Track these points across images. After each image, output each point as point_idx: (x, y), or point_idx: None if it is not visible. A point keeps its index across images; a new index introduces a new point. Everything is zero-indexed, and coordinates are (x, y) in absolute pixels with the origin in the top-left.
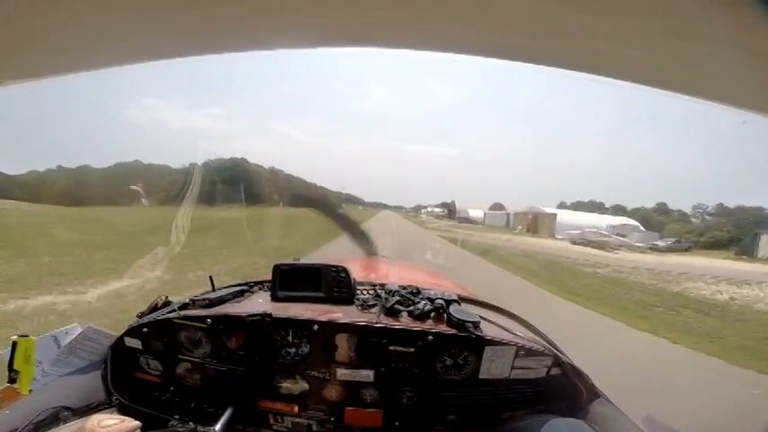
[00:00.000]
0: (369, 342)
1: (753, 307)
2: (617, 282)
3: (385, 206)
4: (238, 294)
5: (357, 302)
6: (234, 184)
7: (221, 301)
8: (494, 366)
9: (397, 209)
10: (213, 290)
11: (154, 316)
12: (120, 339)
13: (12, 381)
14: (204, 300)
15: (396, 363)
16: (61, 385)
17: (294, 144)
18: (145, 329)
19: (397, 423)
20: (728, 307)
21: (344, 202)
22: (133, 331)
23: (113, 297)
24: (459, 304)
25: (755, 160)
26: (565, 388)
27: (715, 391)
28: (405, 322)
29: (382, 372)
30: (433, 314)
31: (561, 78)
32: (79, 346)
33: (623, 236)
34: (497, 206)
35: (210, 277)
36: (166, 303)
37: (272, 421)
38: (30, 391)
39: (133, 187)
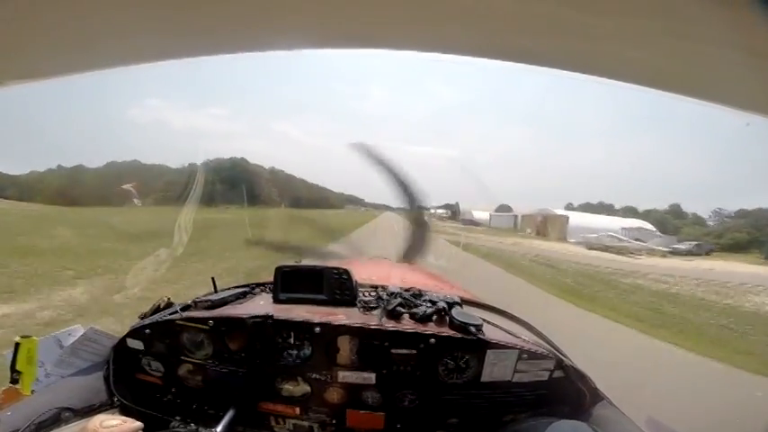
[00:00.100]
0: (370, 344)
1: None
2: (670, 297)
3: (387, 207)
4: (240, 296)
5: (359, 304)
6: (233, 184)
7: (223, 302)
8: (496, 369)
9: (399, 210)
10: (215, 291)
11: (156, 317)
12: (123, 341)
13: (14, 381)
14: (206, 301)
15: (398, 365)
16: (63, 386)
17: (295, 144)
18: (147, 331)
19: (398, 426)
20: None
21: (346, 204)
22: (135, 332)
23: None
24: (462, 307)
25: (759, 162)
26: (567, 391)
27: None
28: (407, 325)
29: (384, 374)
30: (435, 317)
31: (562, 79)
32: (81, 348)
33: (641, 239)
34: (504, 208)
35: (213, 279)
36: (168, 305)
37: (273, 423)
38: (32, 391)
39: (125, 187)
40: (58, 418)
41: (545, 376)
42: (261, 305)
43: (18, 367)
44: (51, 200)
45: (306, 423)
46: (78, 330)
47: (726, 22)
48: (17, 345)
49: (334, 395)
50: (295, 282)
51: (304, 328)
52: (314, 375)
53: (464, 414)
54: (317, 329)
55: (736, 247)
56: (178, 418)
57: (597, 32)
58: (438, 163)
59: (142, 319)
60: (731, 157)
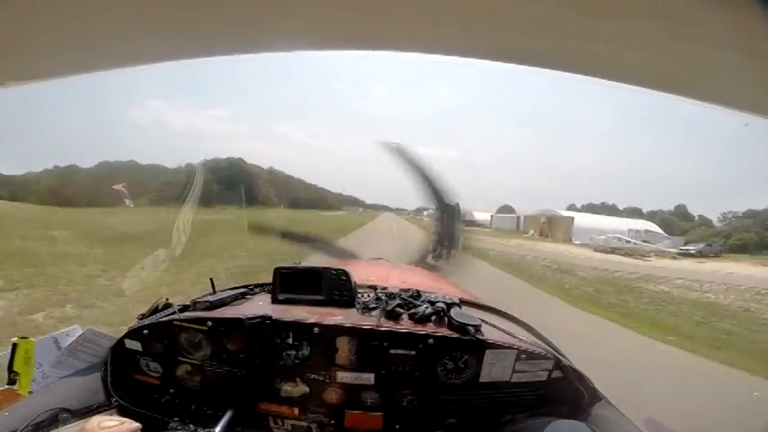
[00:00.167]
0: (369, 345)
1: None
2: (713, 309)
3: (386, 208)
4: (239, 297)
5: (358, 305)
6: (230, 184)
7: (222, 303)
8: (495, 370)
9: (399, 211)
10: (214, 292)
11: (154, 318)
12: (121, 341)
13: (11, 382)
14: (205, 302)
15: (396, 366)
16: (61, 387)
17: (295, 145)
18: (145, 331)
19: (397, 426)
20: None
21: (345, 204)
22: (133, 333)
23: None
24: (461, 307)
25: (757, 162)
26: (566, 391)
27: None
28: (405, 325)
29: (383, 375)
30: (433, 317)
31: (562, 81)
32: (79, 348)
33: (649, 241)
34: (506, 209)
35: (211, 279)
36: (167, 305)
37: (272, 424)
38: (29, 392)
39: (116, 187)
40: (56, 418)
41: (544, 376)
42: (259, 306)
43: (15, 368)
44: (42, 200)
45: (304, 423)
46: (76, 331)
47: (725, 23)
48: (14, 345)
49: (332, 395)
50: (294, 282)
51: (303, 328)
52: (312, 376)
53: (463, 414)
54: (316, 330)
55: (745, 249)
56: (176, 418)
57: (597, 34)
58: (440, 163)
59: (140, 319)
60: (730, 158)
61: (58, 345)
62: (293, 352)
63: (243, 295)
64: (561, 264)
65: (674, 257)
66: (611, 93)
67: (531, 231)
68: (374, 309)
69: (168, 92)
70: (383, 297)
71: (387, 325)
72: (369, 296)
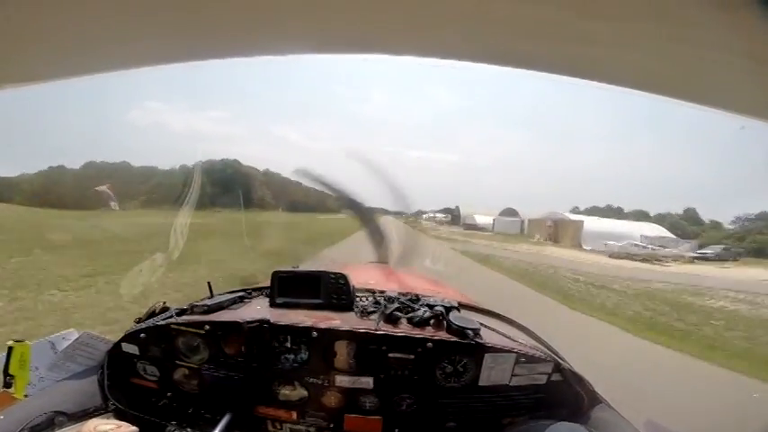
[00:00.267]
0: (368, 349)
1: None
2: None
3: (385, 211)
4: (237, 300)
5: (356, 309)
6: (225, 186)
7: (219, 307)
8: (494, 373)
9: (398, 214)
10: (211, 296)
11: (151, 321)
12: (117, 345)
13: (7, 385)
14: (202, 306)
15: (395, 370)
16: (57, 390)
17: (295, 148)
18: (142, 335)
19: (396, 430)
20: None
21: (344, 208)
22: (130, 337)
23: None
24: (459, 311)
25: (755, 165)
26: (566, 394)
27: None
28: (404, 329)
29: (382, 379)
30: (432, 321)
31: (561, 84)
32: (76, 352)
33: (664, 246)
34: (509, 212)
35: (209, 283)
36: (164, 309)
37: (270, 428)
38: (25, 395)
39: (99, 188)
40: (52, 422)
41: (543, 380)
42: (257, 309)
43: (11, 371)
44: (28, 201)
45: (303, 428)
46: (73, 334)
47: (724, 26)
48: (10, 349)
49: (331, 399)
50: (292, 286)
51: (301, 332)
52: (311, 380)
53: (462, 418)
54: (314, 334)
55: (763, 252)
56: (174, 422)
57: (596, 37)
58: (438, 166)
59: (137, 323)
60: (729, 161)
61: (55, 348)
62: (291, 356)
63: (241, 299)
64: (589, 275)
65: (692, 262)
66: (609, 96)
67: (537, 236)
68: (373, 312)
69: (168, 94)
70: (382, 301)
71: (385, 329)
72: (367, 300)
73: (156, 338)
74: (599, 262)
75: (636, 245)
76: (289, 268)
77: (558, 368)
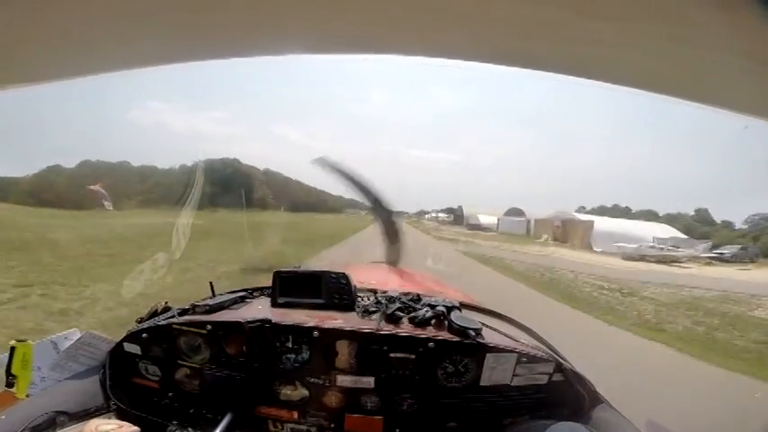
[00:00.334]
0: (369, 349)
1: None
2: None
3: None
4: (238, 300)
5: (358, 309)
6: (224, 185)
7: (221, 307)
8: (495, 373)
9: (400, 214)
10: (213, 296)
11: (153, 321)
12: (120, 345)
13: (9, 385)
14: (204, 306)
15: (396, 369)
16: (59, 390)
17: (296, 148)
18: (144, 335)
19: (397, 430)
20: None
21: (345, 207)
22: (132, 337)
23: None
24: (461, 311)
25: (757, 164)
26: (567, 394)
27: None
28: (406, 329)
29: (383, 378)
30: (434, 321)
31: (563, 84)
32: (78, 352)
33: (679, 247)
34: (514, 211)
35: (211, 283)
36: (166, 309)
37: (271, 428)
38: (27, 395)
39: (92, 187)
40: (54, 422)
41: (544, 380)
42: (259, 309)
43: (13, 371)
44: (23, 201)
45: (304, 427)
46: (75, 334)
47: (725, 26)
48: (12, 348)
49: (332, 399)
50: (293, 286)
51: (302, 332)
52: (312, 379)
53: (463, 418)
54: (316, 333)
55: None
56: (175, 422)
57: (598, 37)
58: (440, 166)
59: (139, 323)
60: (731, 160)
61: (57, 348)
62: (293, 355)
63: (242, 299)
64: (611, 280)
65: (710, 263)
66: (611, 95)
67: (545, 236)
68: (374, 312)
69: (169, 94)
70: (383, 300)
71: (387, 328)
72: (369, 300)
73: (158, 338)
74: (615, 265)
75: (651, 246)
76: (290, 268)
77: (559, 368)
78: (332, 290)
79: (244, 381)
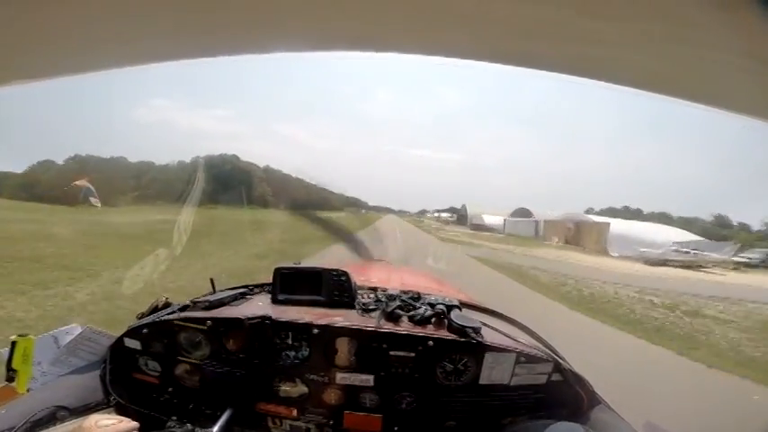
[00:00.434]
0: (369, 346)
1: None
2: None
3: (389, 210)
4: (239, 297)
5: (358, 306)
6: (222, 182)
7: (221, 303)
8: (494, 372)
9: (402, 213)
10: (214, 292)
11: (154, 317)
12: (120, 340)
13: (10, 380)
14: (204, 302)
15: (396, 367)
16: (59, 385)
17: (300, 146)
18: (145, 330)
19: (396, 428)
20: None
21: (347, 206)
22: (133, 332)
23: None
24: (461, 310)
25: (760, 165)
26: (565, 394)
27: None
28: (405, 327)
29: (382, 376)
30: (433, 319)
31: (566, 84)
32: (78, 347)
33: (703, 251)
34: (522, 212)
35: (211, 279)
36: (167, 305)
37: (270, 424)
38: (28, 390)
39: (78, 183)
40: (54, 416)
41: (543, 380)
42: (259, 306)
43: (14, 366)
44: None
45: (303, 424)
46: (75, 329)
47: (729, 26)
48: (13, 343)
49: (331, 396)
50: (294, 283)
51: (302, 329)
52: (311, 376)
53: (462, 417)
54: (315, 331)
55: None
56: (174, 417)
57: (601, 37)
58: (443, 165)
59: (140, 318)
60: (734, 161)
61: (58, 343)
62: (292, 352)
63: (243, 295)
64: (662, 294)
65: (737, 268)
66: (614, 96)
67: (555, 239)
68: (374, 310)
69: (173, 92)
70: (383, 298)
71: (386, 326)
72: (369, 297)
73: (159, 334)
74: (646, 272)
75: (676, 250)
76: (290, 265)
77: (558, 368)
78: (332, 287)
79: (243, 377)
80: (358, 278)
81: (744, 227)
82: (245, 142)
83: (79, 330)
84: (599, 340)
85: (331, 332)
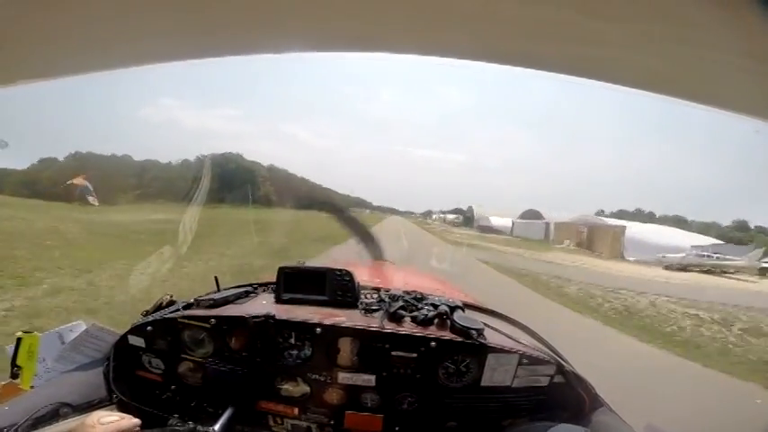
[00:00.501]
0: (371, 346)
1: None
2: None
3: (394, 211)
4: (243, 295)
5: (361, 306)
6: (224, 181)
7: (225, 301)
8: (496, 374)
9: (407, 214)
10: (218, 290)
11: (158, 315)
12: (124, 337)
13: (14, 376)
14: (209, 300)
15: (398, 368)
16: (63, 382)
17: (303, 146)
18: (149, 328)
19: (397, 428)
20: None
21: (352, 206)
22: (137, 329)
23: None
24: (464, 311)
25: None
26: (567, 396)
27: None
28: (408, 328)
29: (384, 377)
30: (436, 320)
31: (569, 84)
32: (83, 344)
33: (727, 255)
34: (531, 214)
35: (216, 278)
36: (171, 303)
37: (271, 423)
38: (32, 387)
39: (76, 181)
40: (57, 413)
41: (545, 381)
42: (263, 305)
43: (19, 362)
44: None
45: (304, 423)
46: (80, 326)
47: (734, 27)
48: (19, 339)
49: (333, 396)
50: (297, 282)
51: (305, 328)
52: (314, 376)
53: (463, 418)
54: (318, 330)
55: None
56: (176, 415)
57: (605, 38)
58: (447, 166)
59: (144, 316)
60: (740, 163)
61: (63, 339)
62: (295, 351)
63: (247, 294)
64: (703, 307)
65: (765, 274)
66: (618, 97)
67: (567, 242)
68: (377, 310)
69: (181, 91)
70: (386, 299)
71: (389, 327)
72: (372, 298)
73: (163, 331)
74: (673, 279)
75: (700, 254)
76: (294, 264)
77: (560, 370)
78: (335, 287)
79: (246, 375)
80: (361, 278)
81: (762, 230)
82: (252, 142)
83: (84, 327)
84: (662, 371)
85: (334, 332)
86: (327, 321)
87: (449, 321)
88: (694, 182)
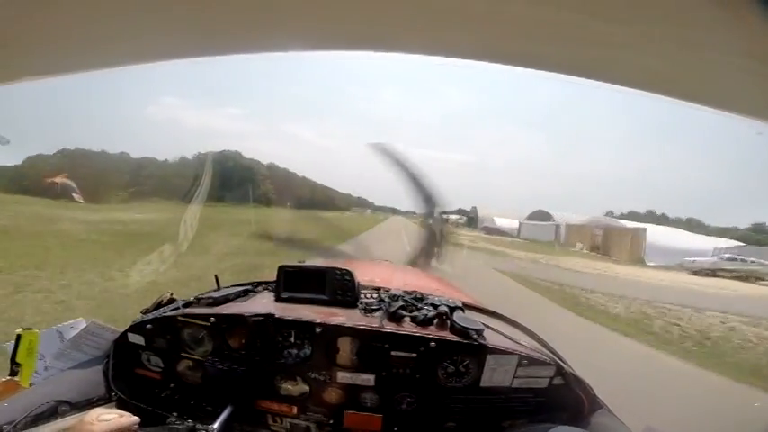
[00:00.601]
0: (371, 346)
1: None
2: None
3: (395, 211)
4: (242, 294)
5: (360, 306)
6: (223, 180)
7: (225, 300)
8: (496, 375)
9: (409, 214)
10: (218, 288)
11: (158, 313)
12: (124, 335)
13: (13, 373)
14: (208, 298)
15: (397, 368)
16: (62, 379)
17: (307, 145)
18: (149, 326)
19: (396, 428)
20: None
21: (354, 206)
22: (137, 327)
23: None
24: (463, 311)
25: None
26: (567, 398)
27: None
28: (407, 327)
29: (383, 376)
30: (436, 320)
31: (571, 85)
32: (83, 341)
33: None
34: (540, 215)
35: (216, 276)
36: (171, 300)
37: (270, 422)
38: (31, 384)
39: (57, 179)
40: (55, 410)
41: (545, 383)
42: (263, 303)
43: (18, 359)
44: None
45: (303, 422)
46: (80, 323)
47: (737, 29)
48: (18, 336)
49: (332, 395)
50: (297, 281)
51: (305, 327)
52: (313, 375)
53: (462, 419)
54: (318, 329)
55: None
56: (175, 413)
57: (605, 38)
58: (450, 167)
59: (144, 314)
60: (743, 165)
61: (62, 337)
62: (294, 351)
63: (246, 292)
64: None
65: None
66: (623, 98)
67: (579, 245)
68: (377, 310)
69: (184, 90)
70: (386, 299)
71: (389, 327)
72: (372, 297)
73: (162, 329)
74: (708, 286)
75: (730, 259)
76: (295, 263)
77: (560, 371)
78: (336, 286)
79: (245, 374)
80: (361, 278)
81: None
82: (254, 141)
83: (84, 325)
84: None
85: (333, 331)
86: (327, 321)
87: (448, 321)
88: (694, 182)
